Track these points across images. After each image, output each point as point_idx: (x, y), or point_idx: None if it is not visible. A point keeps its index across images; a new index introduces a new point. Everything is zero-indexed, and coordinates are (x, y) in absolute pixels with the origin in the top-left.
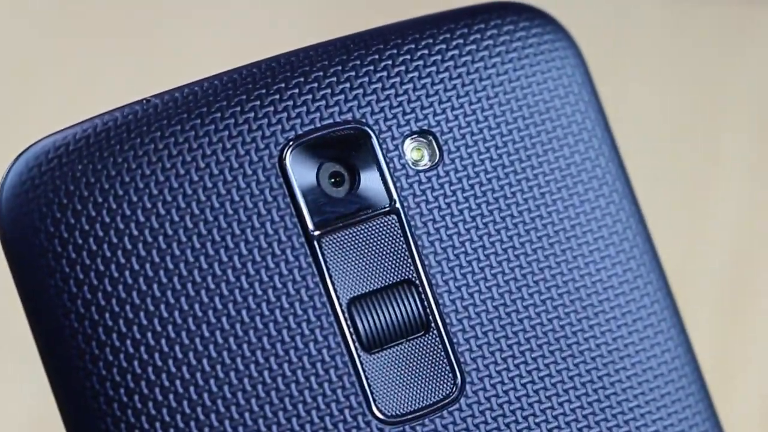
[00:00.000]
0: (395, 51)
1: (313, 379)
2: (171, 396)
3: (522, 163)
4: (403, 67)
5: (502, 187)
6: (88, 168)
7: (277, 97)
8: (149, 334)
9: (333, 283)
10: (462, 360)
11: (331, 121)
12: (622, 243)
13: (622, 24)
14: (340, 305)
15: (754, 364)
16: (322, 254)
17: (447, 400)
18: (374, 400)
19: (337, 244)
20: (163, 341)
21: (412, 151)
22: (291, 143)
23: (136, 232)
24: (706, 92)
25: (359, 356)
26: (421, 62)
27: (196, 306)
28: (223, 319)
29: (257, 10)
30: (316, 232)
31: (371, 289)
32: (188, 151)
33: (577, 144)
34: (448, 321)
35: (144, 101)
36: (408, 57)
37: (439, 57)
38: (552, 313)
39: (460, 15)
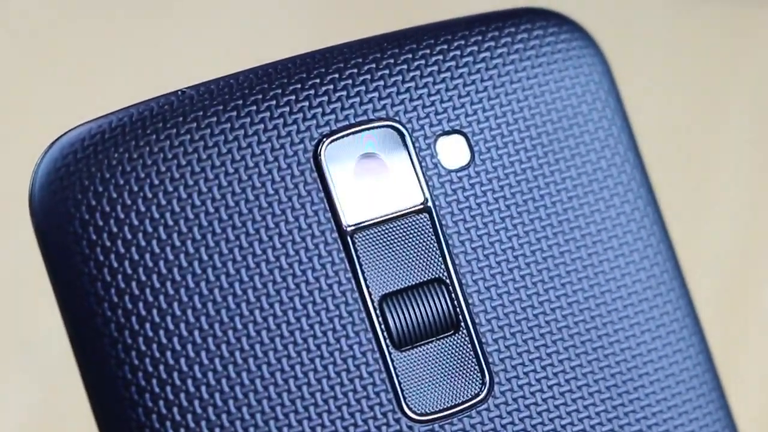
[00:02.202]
0: (428, 51)
1: (344, 374)
2: (203, 388)
3: (550, 166)
4: (436, 67)
5: (531, 189)
6: (124, 156)
7: (313, 92)
8: (182, 325)
9: (365, 280)
10: (491, 360)
11: (365, 117)
12: (645, 249)
13: (625, 20)
14: (372, 302)
15: (753, 360)
16: (355, 250)
17: (475, 400)
18: (404, 398)
19: (370, 240)
20: (196, 332)
21: (444, 150)
22: (326, 139)
23: (171, 222)
24: (707, 90)
25: (390, 353)
26: (453, 63)
27: (229, 298)
28: (256, 312)
29: (268, 10)
30: (350, 228)
31: (402, 287)
32: (224, 143)
33: (604, 150)
34: (477, 321)
35: (179, 92)
36: (441, 57)
37: (471, 59)
38: (578, 317)
39: (490, 19)
